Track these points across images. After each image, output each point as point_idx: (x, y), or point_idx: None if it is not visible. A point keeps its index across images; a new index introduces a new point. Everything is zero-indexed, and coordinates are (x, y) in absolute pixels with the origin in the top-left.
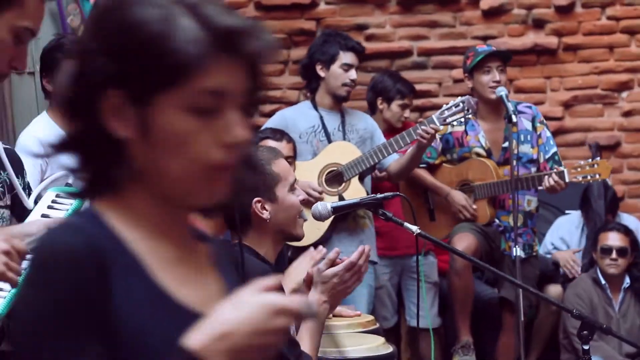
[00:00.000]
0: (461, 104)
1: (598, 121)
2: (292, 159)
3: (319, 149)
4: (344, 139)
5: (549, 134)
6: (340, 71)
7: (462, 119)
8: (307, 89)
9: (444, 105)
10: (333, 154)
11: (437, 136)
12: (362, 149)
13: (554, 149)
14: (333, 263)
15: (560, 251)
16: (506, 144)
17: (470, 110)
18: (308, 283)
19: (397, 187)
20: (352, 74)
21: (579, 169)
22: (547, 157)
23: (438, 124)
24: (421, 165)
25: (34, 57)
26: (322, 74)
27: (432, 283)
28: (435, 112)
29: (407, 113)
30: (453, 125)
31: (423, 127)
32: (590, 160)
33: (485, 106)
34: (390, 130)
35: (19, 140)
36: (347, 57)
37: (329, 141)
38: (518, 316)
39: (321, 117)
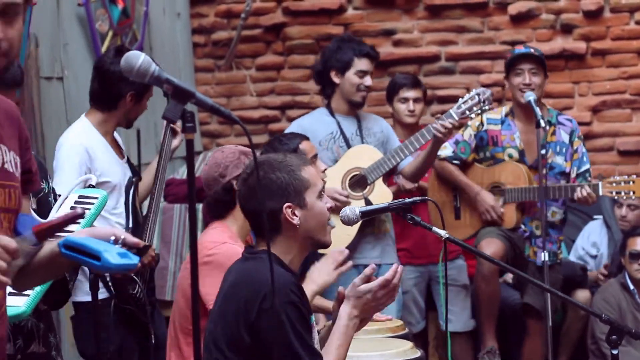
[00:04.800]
0: (477, 97)
1: (626, 126)
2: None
3: (339, 155)
4: (362, 143)
5: (584, 150)
6: (355, 78)
7: (480, 111)
8: (323, 94)
9: (460, 99)
10: (354, 158)
11: (472, 133)
12: (380, 151)
13: (587, 166)
14: (369, 279)
15: (594, 271)
16: (542, 151)
17: (486, 102)
18: (340, 299)
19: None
20: (367, 80)
21: (614, 184)
22: (578, 172)
23: (456, 117)
24: (454, 162)
25: (62, 63)
26: (336, 80)
27: (462, 285)
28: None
29: (410, 106)
30: (472, 118)
31: (440, 121)
32: (626, 177)
33: (519, 108)
34: (409, 130)
35: (60, 145)
36: (361, 63)
37: (348, 146)
38: (546, 321)
39: (338, 123)
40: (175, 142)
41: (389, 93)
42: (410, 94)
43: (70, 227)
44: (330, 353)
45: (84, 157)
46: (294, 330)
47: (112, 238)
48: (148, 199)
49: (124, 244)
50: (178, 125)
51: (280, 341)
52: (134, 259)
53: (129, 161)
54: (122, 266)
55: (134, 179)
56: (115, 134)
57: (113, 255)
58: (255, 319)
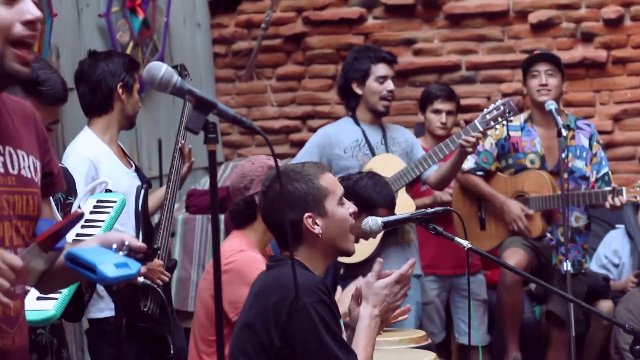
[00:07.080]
0: (502, 107)
1: None
2: None
3: (364, 163)
4: (387, 152)
5: (603, 154)
6: (376, 85)
7: (505, 122)
8: (347, 108)
9: (485, 109)
10: (378, 166)
11: (493, 141)
12: (404, 161)
13: (606, 169)
14: (380, 275)
15: (619, 281)
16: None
17: (511, 112)
18: (357, 298)
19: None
20: (389, 84)
21: (637, 189)
22: (598, 176)
23: (481, 128)
24: (478, 173)
25: None
26: (358, 91)
27: (481, 300)
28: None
29: (443, 118)
30: (496, 129)
31: (466, 135)
32: None
33: (539, 112)
34: (439, 141)
35: (65, 158)
36: (379, 69)
37: (373, 154)
38: (569, 331)
39: (363, 132)
40: (184, 168)
41: (422, 102)
42: (444, 106)
43: (89, 231)
44: (358, 352)
45: (90, 168)
46: (327, 328)
47: (114, 246)
48: (157, 216)
49: (129, 250)
50: (187, 149)
51: (313, 339)
52: (133, 268)
53: (137, 170)
54: (120, 278)
55: (144, 186)
56: (120, 144)
57: (109, 267)
58: (286, 320)
